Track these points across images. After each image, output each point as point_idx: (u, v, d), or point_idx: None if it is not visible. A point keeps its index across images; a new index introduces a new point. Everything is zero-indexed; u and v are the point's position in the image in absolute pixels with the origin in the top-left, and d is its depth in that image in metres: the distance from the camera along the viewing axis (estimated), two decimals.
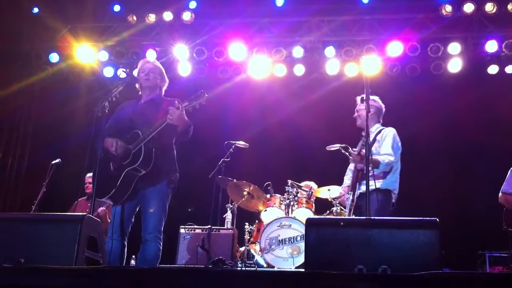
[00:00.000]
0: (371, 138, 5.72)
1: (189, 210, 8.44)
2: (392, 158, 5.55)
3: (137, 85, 5.15)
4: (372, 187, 5.41)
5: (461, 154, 9.16)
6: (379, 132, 5.82)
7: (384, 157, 5.53)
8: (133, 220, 4.95)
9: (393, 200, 5.59)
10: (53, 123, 9.46)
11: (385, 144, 5.66)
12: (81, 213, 3.86)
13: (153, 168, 4.77)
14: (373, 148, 5.66)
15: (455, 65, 9.00)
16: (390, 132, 5.76)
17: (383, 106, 5.99)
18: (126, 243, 4.87)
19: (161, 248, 4.83)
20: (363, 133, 5.61)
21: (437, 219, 3.51)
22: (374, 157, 5.51)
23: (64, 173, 7.57)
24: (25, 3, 9.40)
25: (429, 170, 9.15)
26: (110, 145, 4.81)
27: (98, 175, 4.69)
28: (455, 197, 8.94)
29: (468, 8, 8.55)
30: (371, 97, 5.86)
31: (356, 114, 5.94)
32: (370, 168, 5.34)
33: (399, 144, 5.73)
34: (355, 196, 5.62)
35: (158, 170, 4.81)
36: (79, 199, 7.38)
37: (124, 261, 4.93)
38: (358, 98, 5.95)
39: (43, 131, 9.66)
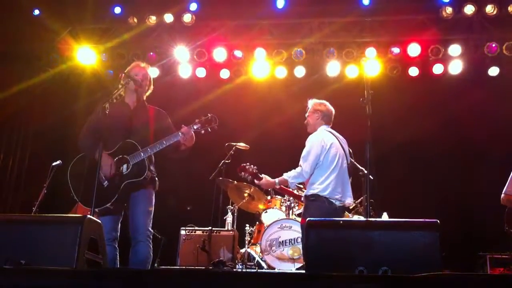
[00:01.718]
0: None
1: (188, 208, 8.42)
2: (299, 170, 5.64)
3: (121, 83, 5.07)
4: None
5: (462, 156, 9.16)
6: None
7: (290, 173, 5.68)
8: (120, 224, 4.99)
9: (331, 205, 5.50)
10: (54, 125, 9.47)
11: (301, 155, 5.72)
12: (82, 215, 3.85)
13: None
14: None
15: (455, 67, 9.01)
16: (308, 142, 5.75)
17: (330, 110, 5.96)
18: (117, 247, 4.92)
19: (151, 247, 4.86)
20: None
21: (438, 221, 3.51)
22: (282, 177, 5.74)
23: (65, 174, 7.56)
24: (26, 4, 9.40)
25: (429, 171, 9.15)
26: (106, 166, 4.80)
27: (84, 184, 4.75)
28: (456, 199, 8.95)
29: (469, 10, 8.55)
30: (318, 101, 5.97)
31: (306, 120, 6.00)
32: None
33: (323, 146, 5.63)
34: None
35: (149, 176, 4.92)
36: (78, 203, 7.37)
37: (118, 264, 4.95)
38: (309, 103, 6.01)
39: (44, 132, 9.66)
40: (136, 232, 4.80)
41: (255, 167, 5.91)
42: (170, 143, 4.83)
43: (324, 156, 5.59)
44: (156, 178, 5.08)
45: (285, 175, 5.70)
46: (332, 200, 5.48)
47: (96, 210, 4.78)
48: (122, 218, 4.98)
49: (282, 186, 5.94)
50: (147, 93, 5.28)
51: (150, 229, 4.88)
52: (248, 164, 5.91)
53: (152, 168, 5.04)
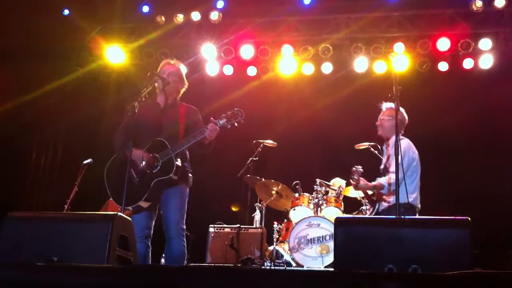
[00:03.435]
0: (388, 151, 5.88)
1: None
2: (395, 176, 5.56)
3: (156, 84, 5.12)
4: (388, 204, 5.65)
5: (492, 152, 9.00)
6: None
7: (388, 178, 5.65)
8: (154, 220, 5.02)
9: (417, 214, 5.63)
10: (84, 123, 9.60)
11: (394, 161, 5.66)
12: (112, 212, 3.90)
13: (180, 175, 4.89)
14: (386, 164, 5.82)
15: (486, 61, 8.87)
16: (401, 147, 5.72)
17: (406, 119, 6.00)
18: (150, 244, 4.96)
19: (185, 244, 4.89)
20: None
21: (468, 218, 3.46)
22: (377, 181, 5.71)
23: (95, 172, 7.67)
24: (55, 4, 9.53)
25: (460, 167, 9.02)
26: (138, 159, 4.85)
27: (116, 182, 4.77)
28: (487, 195, 8.78)
29: (499, 3, 8.40)
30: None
31: (378, 122, 6.01)
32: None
33: (414, 155, 5.77)
34: (374, 212, 5.88)
35: (180, 173, 4.92)
36: (110, 199, 7.47)
37: (150, 261, 5.00)
38: (383, 106, 5.99)
39: (75, 130, 9.81)
40: (168, 229, 4.85)
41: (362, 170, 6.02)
42: (197, 139, 4.85)
43: (414, 165, 5.74)
44: (190, 175, 5.10)
45: (381, 181, 5.69)
46: (417, 209, 5.63)
47: (130, 208, 4.85)
48: (156, 216, 5.02)
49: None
50: (182, 90, 5.29)
51: (183, 226, 4.90)
52: (360, 166, 6.02)
53: (186, 164, 5.07)
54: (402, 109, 5.97)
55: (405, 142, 5.80)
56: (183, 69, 5.38)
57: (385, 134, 5.99)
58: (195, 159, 5.39)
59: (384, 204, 5.76)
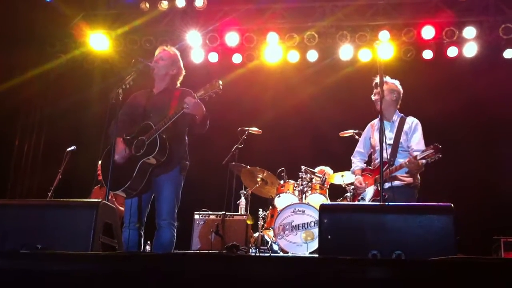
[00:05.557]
0: (395, 127, 5.69)
1: None
2: None
3: (133, 69, 5.06)
4: (403, 183, 5.48)
5: (477, 138, 9.07)
6: (403, 122, 5.70)
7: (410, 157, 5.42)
8: (148, 209, 4.99)
9: (417, 196, 5.56)
10: (68, 110, 9.53)
11: (417, 140, 5.56)
12: (96, 199, 3.89)
13: (167, 156, 4.79)
14: (401, 140, 5.61)
15: (470, 50, 8.91)
16: (418, 126, 5.65)
17: (402, 91, 5.87)
18: (142, 233, 4.93)
19: (175, 234, 4.87)
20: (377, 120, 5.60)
21: (452, 204, 3.50)
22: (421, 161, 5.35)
23: (79, 159, 7.64)
24: None
25: (445, 154, 9.06)
26: (120, 152, 4.83)
27: (106, 169, 4.73)
28: (471, 182, 8.87)
29: None
30: (392, 81, 5.82)
31: (376, 97, 5.65)
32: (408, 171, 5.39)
33: None
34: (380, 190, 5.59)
35: (171, 157, 4.82)
36: (95, 187, 7.44)
37: (142, 248, 4.99)
38: (379, 79, 5.82)
39: (58, 117, 9.73)
40: (159, 218, 4.83)
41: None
42: (177, 116, 4.76)
43: None
44: (186, 162, 5.03)
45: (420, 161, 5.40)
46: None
47: (123, 194, 4.83)
48: (150, 203, 4.98)
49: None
50: (178, 76, 5.25)
51: (174, 215, 4.87)
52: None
53: (182, 150, 5.01)
54: (397, 82, 5.88)
55: (419, 122, 5.65)
56: (177, 55, 5.33)
57: (385, 109, 5.55)
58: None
59: (397, 183, 5.45)
